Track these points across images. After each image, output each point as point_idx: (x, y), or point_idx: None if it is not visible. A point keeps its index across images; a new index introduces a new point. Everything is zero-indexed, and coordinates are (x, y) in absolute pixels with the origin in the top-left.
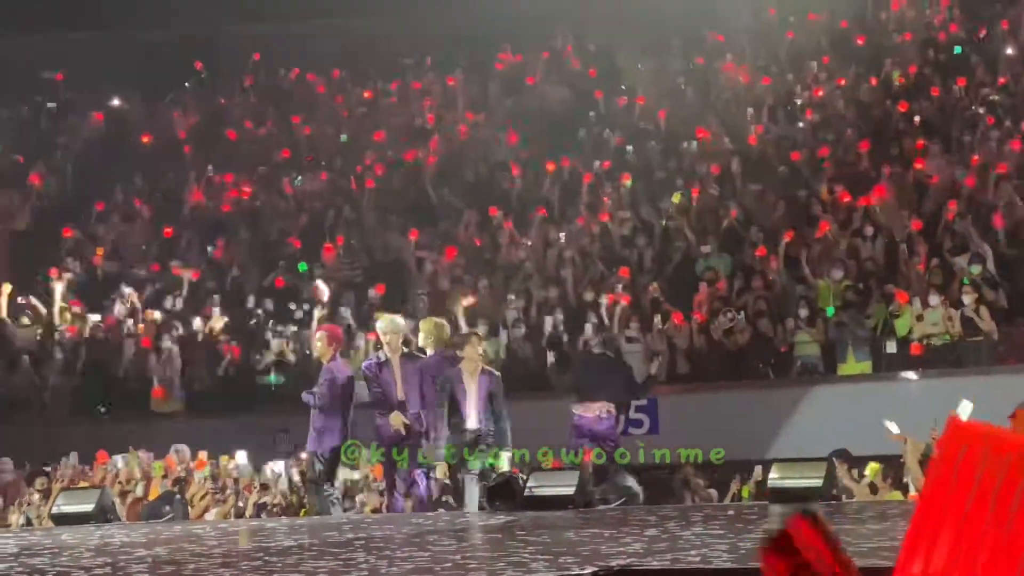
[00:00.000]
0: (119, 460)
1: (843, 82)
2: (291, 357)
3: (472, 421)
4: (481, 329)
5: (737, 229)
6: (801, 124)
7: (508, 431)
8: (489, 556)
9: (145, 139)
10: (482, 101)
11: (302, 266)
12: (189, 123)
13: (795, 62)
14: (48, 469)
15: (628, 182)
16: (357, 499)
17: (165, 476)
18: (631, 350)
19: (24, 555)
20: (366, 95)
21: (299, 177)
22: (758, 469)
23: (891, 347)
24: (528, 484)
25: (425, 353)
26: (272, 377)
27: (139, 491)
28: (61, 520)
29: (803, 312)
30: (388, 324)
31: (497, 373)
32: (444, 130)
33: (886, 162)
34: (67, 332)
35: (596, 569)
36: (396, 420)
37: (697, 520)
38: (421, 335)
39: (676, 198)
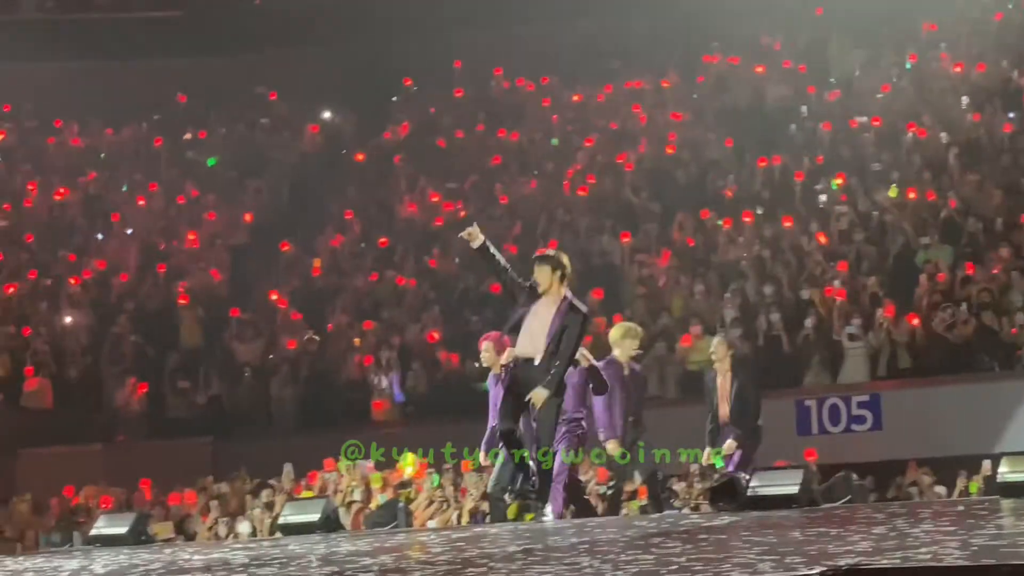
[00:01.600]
0: (345, 469)
1: None
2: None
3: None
4: (697, 329)
5: (956, 220)
6: (1016, 112)
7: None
8: (714, 557)
9: (358, 152)
10: (690, 101)
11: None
12: (401, 134)
13: (1010, 48)
14: (272, 481)
15: (839, 180)
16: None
17: (384, 486)
18: (852, 347)
19: (253, 565)
20: (575, 99)
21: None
22: (986, 464)
23: None
24: (751, 484)
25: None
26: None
27: (357, 497)
28: (287, 530)
29: None
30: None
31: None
32: (654, 131)
33: None
34: (288, 345)
35: (824, 568)
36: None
37: (926, 517)
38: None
39: (893, 192)
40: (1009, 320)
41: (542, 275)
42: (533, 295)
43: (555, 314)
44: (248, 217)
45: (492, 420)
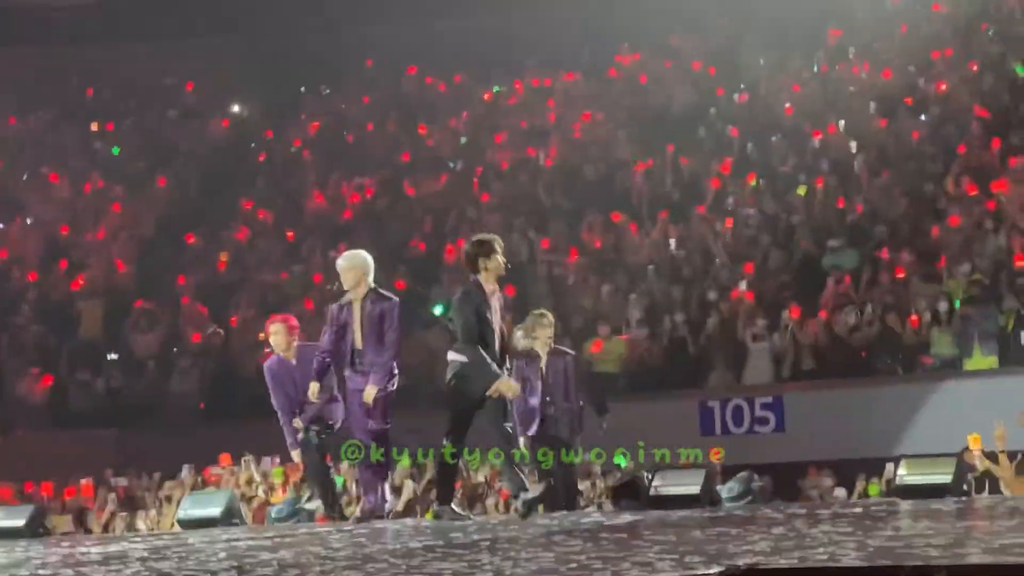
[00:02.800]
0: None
1: (968, 72)
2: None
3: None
4: (604, 329)
5: (863, 224)
6: (924, 117)
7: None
8: (614, 556)
9: (267, 145)
10: (601, 100)
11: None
12: (310, 128)
13: (916, 55)
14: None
15: (752, 182)
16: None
17: (287, 481)
18: (757, 348)
19: (152, 559)
20: (486, 97)
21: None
22: (889, 467)
23: None
24: (654, 483)
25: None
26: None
27: (260, 493)
28: (188, 524)
29: (942, 306)
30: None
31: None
32: (564, 130)
33: (1012, 154)
34: (193, 338)
35: (723, 568)
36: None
37: (825, 518)
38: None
39: (802, 191)
40: (910, 324)
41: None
42: None
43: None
44: (156, 209)
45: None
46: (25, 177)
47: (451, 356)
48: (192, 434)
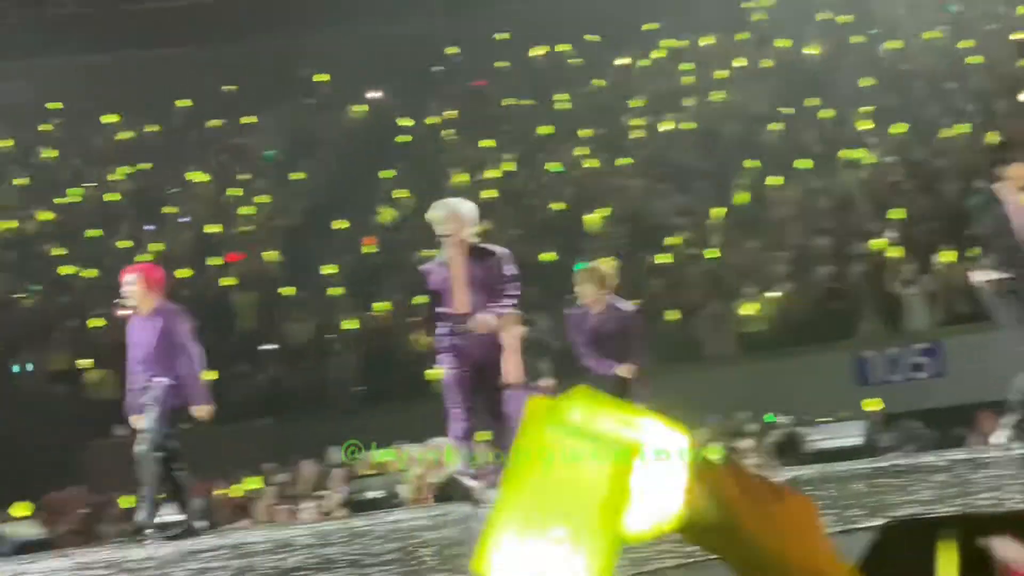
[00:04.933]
0: (413, 448)
1: None
2: None
3: None
4: (752, 287)
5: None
6: None
7: None
8: None
9: (405, 127)
10: (734, 58)
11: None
12: (446, 108)
13: None
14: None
15: (895, 128)
16: None
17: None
18: (909, 294)
19: (317, 545)
20: (620, 63)
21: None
22: None
23: None
24: (813, 437)
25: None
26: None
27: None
28: (353, 508)
29: None
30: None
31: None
32: (700, 91)
33: None
34: (344, 324)
35: (886, 521)
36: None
37: (988, 462)
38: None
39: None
40: None
41: None
42: None
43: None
44: (300, 199)
45: None
46: (170, 177)
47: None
48: (350, 419)
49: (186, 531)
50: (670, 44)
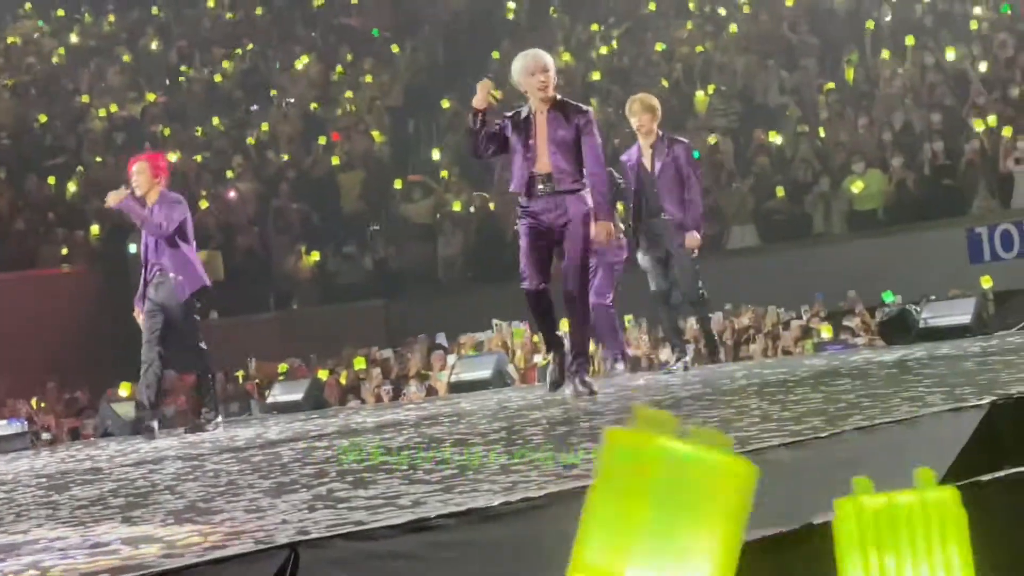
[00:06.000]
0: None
1: None
2: None
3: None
4: (861, 165)
5: None
6: None
7: None
8: (884, 392)
9: (507, 5)
10: None
11: None
12: None
13: None
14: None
15: (1005, 5)
16: None
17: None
18: (1021, 171)
19: (424, 424)
20: None
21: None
22: None
23: None
24: (923, 315)
25: None
26: None
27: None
28: (459, 388)
29: None
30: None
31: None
32: None
33: None
34: (454, 205)
35: (995, 398)
36: None
37: None
38: None
39: None
40: None
41: None
42: None
43: None
44: (404, 78)
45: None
46: (273, 57)
47: None
48: (458, 300)
49: (144, 429)
50: None
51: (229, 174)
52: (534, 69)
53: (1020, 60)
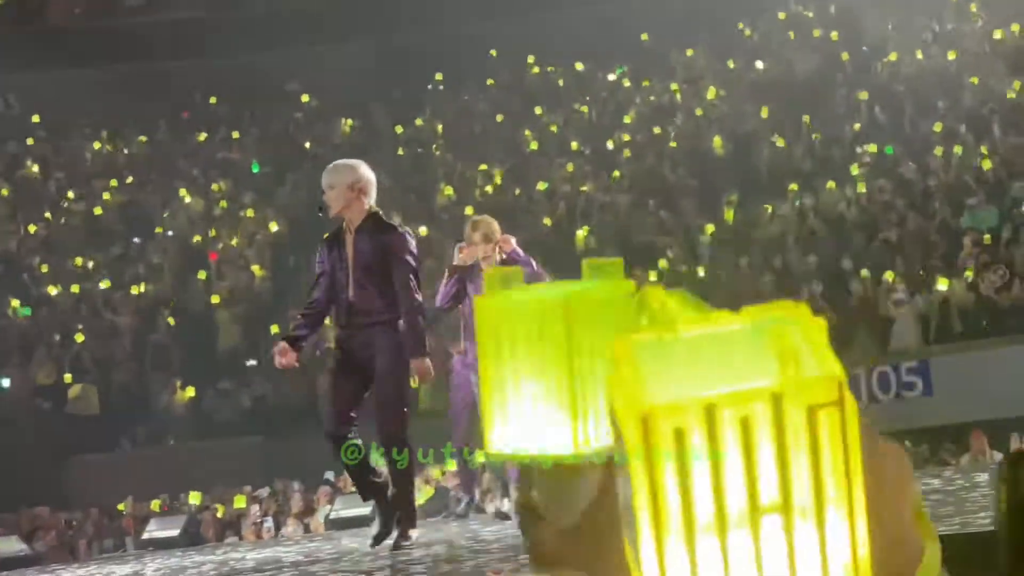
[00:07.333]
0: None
1: None
2: None
3: None
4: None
5: (1001, 182)
6: None
7: None
8: None
9: (393, 141)
10: (724, 75)
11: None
12: (436, 123)
13: None
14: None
15: (881, 148)
16: None
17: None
18: (900, 313)
19: (304, 563)
20: (608, 79)
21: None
22: None
23: None
24: None
25: None
26: None
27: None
28: (338, 525)
29: None
30: None
31: None
32: (688, 108)
33: None
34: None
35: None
36: None
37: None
38: None
39: (939, 152)
40: None
41: None
42: None
43: None
44: (287, 212)
45: None
46: (155, 191)
47: None
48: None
49: None
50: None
51: (106, 307)
52: None
53: (899, 204)
